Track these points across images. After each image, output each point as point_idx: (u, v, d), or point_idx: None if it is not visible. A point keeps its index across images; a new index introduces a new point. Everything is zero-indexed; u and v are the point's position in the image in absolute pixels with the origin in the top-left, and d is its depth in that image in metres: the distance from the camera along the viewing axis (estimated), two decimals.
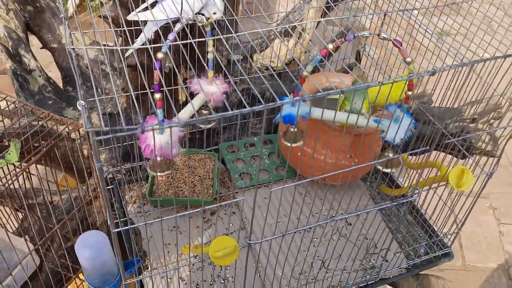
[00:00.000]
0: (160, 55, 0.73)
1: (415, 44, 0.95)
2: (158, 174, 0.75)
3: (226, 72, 0.81)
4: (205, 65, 0.80)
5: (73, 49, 0.62)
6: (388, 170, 0.90)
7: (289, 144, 0.92)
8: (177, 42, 0.95)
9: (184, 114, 0.92)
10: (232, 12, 0.94)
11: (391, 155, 0.88)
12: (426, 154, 0.90)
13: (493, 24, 0.91)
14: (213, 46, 0.93)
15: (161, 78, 0.69)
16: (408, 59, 0.71)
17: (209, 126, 1.04)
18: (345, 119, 0.88)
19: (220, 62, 0.71)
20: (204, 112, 1.02)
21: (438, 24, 0.93)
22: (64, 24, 0.67)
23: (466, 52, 0.80)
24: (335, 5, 1.52)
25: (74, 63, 0.63)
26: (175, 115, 0.68)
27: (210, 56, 0.95)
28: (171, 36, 0.77)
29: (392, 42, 0.75)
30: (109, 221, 0.64)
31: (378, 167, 0.90)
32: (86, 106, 0.54)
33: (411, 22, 0.87)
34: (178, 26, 0.79)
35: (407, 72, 0.70)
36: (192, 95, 1.01)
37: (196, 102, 0.97)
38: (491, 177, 0.97)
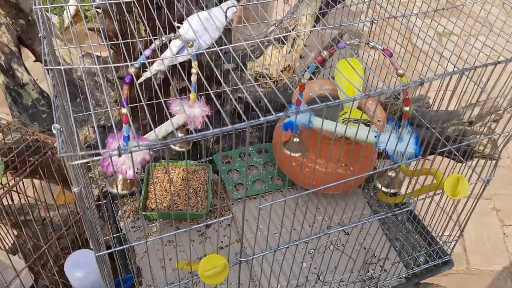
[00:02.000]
0: (132, 70, 0.72)
1: (410, 49, 0.93)
2: (120, 192, 0.74)
3: (222, 82, 0.79)
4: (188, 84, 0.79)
5: (49, 69, 0.61)
6: (390, 191, 0.87)
7: (289, 154, 0.90)
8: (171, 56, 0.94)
9: (159, 131, 0.90)
10: (230, 25, 0.93)
11: (393, 174, 0.85)
12: (420, 161, 0.87)
13: (485, 28, 0.89)
14: (196, 67, 0.91)
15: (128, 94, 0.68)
16: (400, 71, 0.69)
17: (182, 149, 1.03)
18: (343, 131, 0.86)
19: (216, 71, 0.69)
20: (180, 134, 1.01)
21: (437, 28, 0.91)
22: (43, 43, 0.65)
23: (460, 55, 0.78)
24: (324, 13, 1.50)
25: (50, 83, 0.62)
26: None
27: (193, 78, 0.94)
28: (147, 52, 0.75)
29: (382, 52, 0.73)
30: (91, 245, 0.62)
31: (383, 188, 0.87)
32: (61, 129, 0.53)
33: (409, 26, 0.85)
34: (156, 43, 0.78)
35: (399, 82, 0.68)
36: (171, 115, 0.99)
37: (176, 121, 0.95)
38: (488, 184, 0.94)
